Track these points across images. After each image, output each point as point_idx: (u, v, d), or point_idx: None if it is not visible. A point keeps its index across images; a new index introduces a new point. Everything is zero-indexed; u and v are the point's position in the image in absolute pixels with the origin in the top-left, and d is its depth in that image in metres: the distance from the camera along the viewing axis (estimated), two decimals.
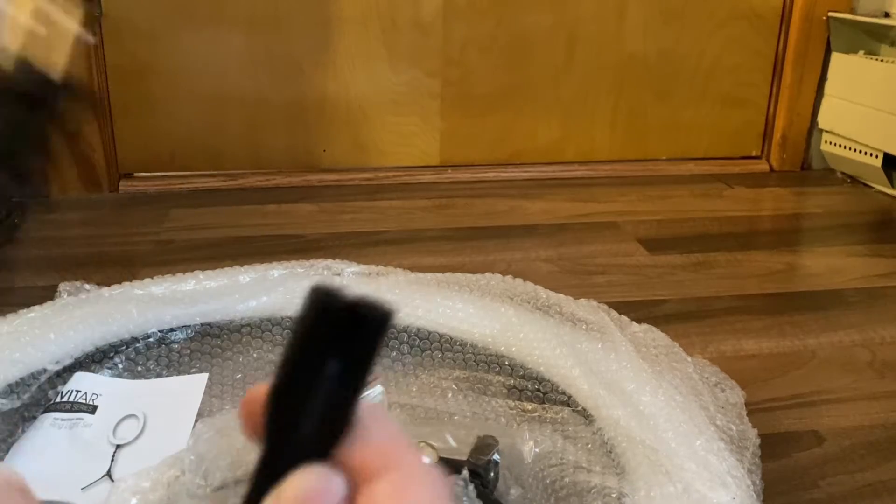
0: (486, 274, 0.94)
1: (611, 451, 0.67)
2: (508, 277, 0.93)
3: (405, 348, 0.84)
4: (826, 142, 1.52)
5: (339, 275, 0.94)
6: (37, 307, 0.82)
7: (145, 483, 0.57)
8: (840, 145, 1.49)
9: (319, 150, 1.44)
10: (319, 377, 0.22)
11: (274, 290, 0.88)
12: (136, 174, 1.40)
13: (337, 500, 0.23)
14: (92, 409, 0.72)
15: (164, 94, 1.37)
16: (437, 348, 0.84)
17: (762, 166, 1.56)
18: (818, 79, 1.49)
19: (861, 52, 1.44)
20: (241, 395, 0.78)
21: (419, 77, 1.43)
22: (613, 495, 0.61)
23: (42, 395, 0.74)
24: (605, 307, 0.89)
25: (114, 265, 1.06)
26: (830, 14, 1.44)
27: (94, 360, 0.80)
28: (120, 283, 0.89)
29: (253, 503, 0.24)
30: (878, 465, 0.71)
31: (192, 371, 0.81)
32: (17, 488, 0.26)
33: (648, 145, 1.54)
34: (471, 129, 1.47)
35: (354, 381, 0.23)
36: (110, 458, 0.68)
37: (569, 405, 0.74)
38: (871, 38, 1.45)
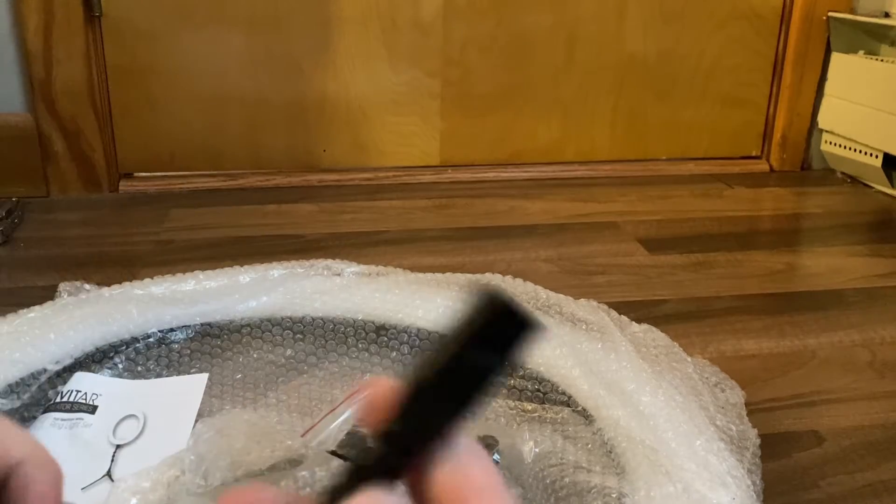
0: (486, 274, 0.94)
1: (611, 451, 0.67)
2: (508, 277, 0.93)
3: (405, 348, 0.84)
4: (826, 142, 1.52)
5: (339, 275, 0.94)
6: (37, 307, 0.82)
7: (145, 483, 0.57)
8: (840, 145, 1.49)
9: (319, 150, 1.44)
10: (473, 372, 0.23)
11: (274, 290, 0.88)
12: (136, 174, 1.40)
13: None
14: (92, 409, 0.72)
15: (164, 94, 1.37)
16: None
17: (762, 166, 1.56)
18: (818, 79, 1.49)
19: (861, 52, 1.44)
20: (241, 394, 0.78)
21: (419, 77, 1.43)
22: (613, 495, 0.61)
23: (42, 395, 0.74)
24: (605, 307, 0.89)
25: (114, 265, 1.06)
26: (830, 14, 1.45)
27: (94, 360, 0.80)
28: (120, 283, 0.89)
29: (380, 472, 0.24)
30: (877, 465, 0.71)
31: (192, 371, 0.81)
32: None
33: (648, 145, 1.54)
34: (471, 129, 1.47)
35: (493, 383, 0.23)
36: (110, 458, 0.68)
37: (569, 405, 0.74)
38: (871, 38, 1.45)
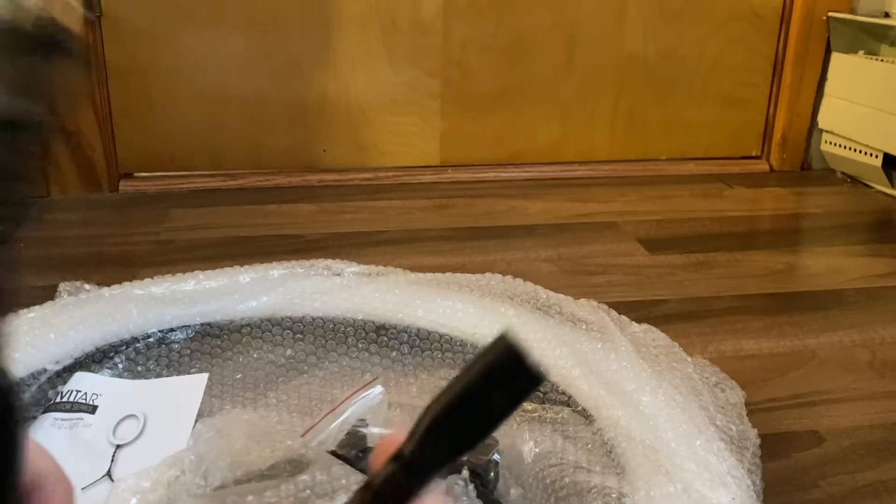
0: (486, 274, 0.94)
1: (611, 451, 0.67)
2: (508, 277, 0.93)
3: (405, 348, 0.84)
4: (826, 142, 1.52)
5: (339, 275, 0.94)
6: (37, 307, 0.82)
7: (145, 483, 0.57)
8: (840, 145, 1.49)
9: (319, 150, 1.44)
10: (484, 410, 0.25)
11: (274, 290, 0.88)
12: (136, 174, 1.40)
13: None
14: (92, 409, 0.72)
15: (164, 94, 1.37)
16: (437, 348, 0.84)
17: (762, 166, 1.56)
18: (818, 79, 1.49)
19: (861, 52, 1.44)
20: (241, 395, 0.78)
21: (419, 77, 1.43)
22: (613, 495, 0.61)
23: (42, 395, 0.74)
24: (605, 307, 0.89)
25: (114, 265, 1.06)
26: (830, 14, 1.44)
27: (94, 360, 0.80)
28: (120, 283, 0.89)
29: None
30: (877, 465, 0.71)
31: (192, 371, 0.81)
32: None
33: (648, 145, 1.54)
34: (471, 129, 1.47)
35: (495, 426, 0.25)
36: (110, 458, 0.68)
37: (569, 405, 0.74)
38: (871, 38, 1.45)
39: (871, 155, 1.41)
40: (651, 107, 1.51)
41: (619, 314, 0.88)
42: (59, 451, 0.67)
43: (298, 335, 0.86)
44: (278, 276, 0.92)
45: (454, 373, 0.25)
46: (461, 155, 1.48)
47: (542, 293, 0.90)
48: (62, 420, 0.71)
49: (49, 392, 0.75)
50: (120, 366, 0.80)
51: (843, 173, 1.51)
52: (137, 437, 0.70)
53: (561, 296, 0.90)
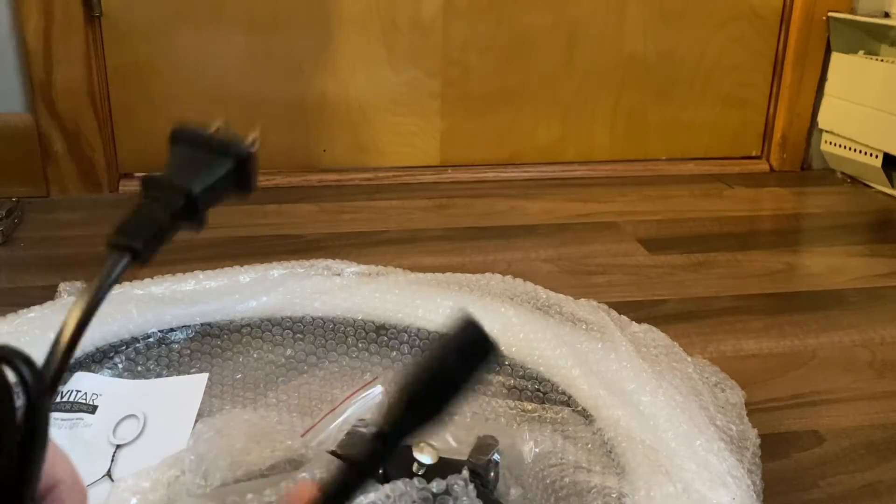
0: (486, 274, 0.94)
1: (611, 451, 0.67)
2: (508, 277, 0.93)
3: (405, 348, 0.84)
4: (826, 142, 1.52)
5: (339, 275, 0.94)
6: (37, 307, 0.82)
7: (145, 483, 0.57)
8: (840, 145, 1.49)
9: (319, 150, 1.44)
10: (450, 383, 0.27)
11: (274, 290, 0.88)
12: (136, 174, 1.40)
13: None
14: (92, 409, 0.72)
15: (164, 94, 1.37)
16: None
17: (762, 166, 1.56)
18: (818, 79, 1.50)
19: (861, 52, 1.44)
20: (241, 395, 0.78)
21: (419, 77, 1.43)
22: (613, 495, 0.61)
23: None
24: (605, 307, 0.89)
25: None
26: (830, 14, 1.44)
27: (94, 360, 0.80)
28: (120, 283, 0.89)
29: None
30: (877, 465, 0.71)
31: (192, 371, 0.81)
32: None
33: (648, 145, 1.54)
34: (471, 129, 1.47)
35: (459, 393, 0.27)
36: (110, 458, 0.68)
37: (569, 405, 0.74)
38: (871, 38, 1.45)
39: (871, 155, 1.41)
40: (651, 107, 1.51)
41: (619, 314, 0.88)
42: None
43: (298, 335, 0.86)
44: (278, 276, 0.92)
45: None
46: (461, 155, 1.48)
47: (543, 293, 0.90)
48: (62, 420, 0.71)
49: None
50: (120, 366, 0.80)
51: (843, 173, 1.51)
52: (137, 437, 0.70)
53: (561, 296, 0.90)
